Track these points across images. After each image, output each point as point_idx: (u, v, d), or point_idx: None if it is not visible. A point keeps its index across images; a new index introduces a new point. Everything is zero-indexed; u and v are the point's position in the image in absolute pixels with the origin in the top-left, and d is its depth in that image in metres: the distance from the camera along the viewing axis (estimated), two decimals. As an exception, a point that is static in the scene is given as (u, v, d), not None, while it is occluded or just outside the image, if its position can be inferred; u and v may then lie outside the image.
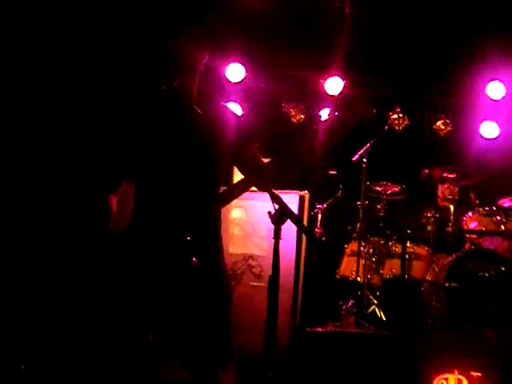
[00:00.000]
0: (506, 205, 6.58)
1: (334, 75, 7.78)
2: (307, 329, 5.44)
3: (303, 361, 5.02)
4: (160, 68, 3.05)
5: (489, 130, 8.43)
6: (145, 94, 3.15)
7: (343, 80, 7.84)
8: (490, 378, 4.83)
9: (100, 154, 3.14)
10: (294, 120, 8.04)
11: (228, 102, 7.57)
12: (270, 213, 2.63)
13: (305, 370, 4.91)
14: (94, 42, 6.01)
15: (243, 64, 7.60)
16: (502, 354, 5.04)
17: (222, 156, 3.11)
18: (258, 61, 7.84)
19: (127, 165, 3.07)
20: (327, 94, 7.91)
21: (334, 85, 7.83)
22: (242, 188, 3.07)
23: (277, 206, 2.62)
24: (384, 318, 5.95)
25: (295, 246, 5.77)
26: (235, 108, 7.64)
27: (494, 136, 8.46)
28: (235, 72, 7.59)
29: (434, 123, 8.32)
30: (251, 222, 5.73)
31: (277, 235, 2.63)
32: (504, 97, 8.16)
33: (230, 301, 3.06)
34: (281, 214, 2.62)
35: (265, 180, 2.88)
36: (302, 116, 8.04)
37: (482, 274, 5.72)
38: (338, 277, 6.78)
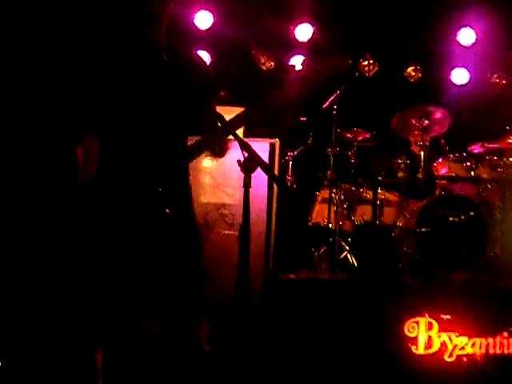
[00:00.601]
0: (476, 151, 6.61)
1: (304, 22, 7.71)
2: (280, 276, 5.47)
3: (276, 307, 5.05)
4: (126, 16, 2.98)
5: (459, 76, 8.45)
6: (110, 42, 3.07)
7: (312, 26, 7.78)
8: (459, 321, 4.91)
9: (63, 104, 3.07)
10: (264, 67, 7.97)
11: (196, 49, 7.47)
12: (239, 161, 2.61)
13: (278, 316, 4.94)
14: None
15: (211, 11, 7.49)
16: (470, 297, 5.12)
17: (190, 105, 3.05)
18: (227, 7, 7.73)
19: (92, 115, 3.01)
20: (297, 41, 7.85)
21: (303, 31, 7.78)
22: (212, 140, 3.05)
23: (246, 154, 2.60)
24: (356, 264, 6.01)
25: (266, 194, 5.77)
26: (203, 55, 7.56)
27: (463, 82, 8.48)
28: (202, 18, 7.48)
29: (405, 69, 8.31)
30: (223, 170, 5.69)
31: (247, 184, 2.62)
32: (474, 43, 8.17)
33: (201, 250, 3.05)
34: (250, 162, 2.59)
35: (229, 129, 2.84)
36: (272, 63, 7.98)
37: (452, 219, 5.78)
38: (309, 224, 6.80)
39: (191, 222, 3.07)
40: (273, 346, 4.83)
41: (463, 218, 5.80)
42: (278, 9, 7.82)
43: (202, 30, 7.56)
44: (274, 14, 7.95)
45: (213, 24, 7.59)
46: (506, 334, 4.94)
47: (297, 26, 7.74)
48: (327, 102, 6.44)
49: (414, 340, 4.87)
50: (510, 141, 6.44)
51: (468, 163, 6.34)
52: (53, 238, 3.88)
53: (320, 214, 6.69)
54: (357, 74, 6.82)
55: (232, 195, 5.71)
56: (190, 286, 2.96)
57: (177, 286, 2.93)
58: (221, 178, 5.78)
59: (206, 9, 7.45)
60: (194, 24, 7.44)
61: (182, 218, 2.97)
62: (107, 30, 3.27)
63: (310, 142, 7.01)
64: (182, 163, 3.03)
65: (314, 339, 4.84)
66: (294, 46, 7.99)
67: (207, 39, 7.74)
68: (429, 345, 4.87)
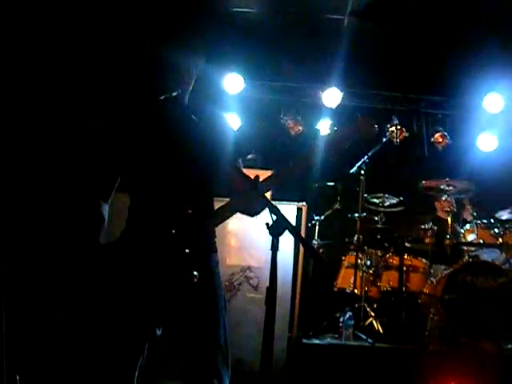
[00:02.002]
0: (503, 217, 6.58)
1: (332, 87, 7.81)
2: (304, 341, 5.42)
3: (300, 373, 4.99)
4: (157, 77, 3.03)
5: (486, 142, 8.45)
6: (141, 102, 3.12)
7: (341, 92, 7.87)
8: (486, 390, 4.83)
9: (94, 160, 3.11)
10: (292, 132, 8.05)
11: (226, 112, 7.58)
12: (267, 224, 2.61)
13: (302, 382, 4.88)
14: (93, 50, 6.03)
15: (242, 75, 7.62)
16: (498, 366, 5.03)
17: (219, 166, 3.07)
18: (257, 72, 7.86)
19: (120, 172, 3.05)
20: (325, 106, 7.94)
21: (332, 97, 7.86)
22: (233, 209, 3.07)
23: (274, 218, 2.60)
24: (381, 331, 5.93)
25: (292, 258, 5.77)
26: (233, 119, 7.67)
27: (491, 148, 8.48)
28: (234, 83, 7.61)
29: (432, 136, 8.35)
30: (249, 233, 5.71)
31: (274, 246, 2.61)
32: (502, 109, 8.20)
33: (225, 312, 3.03)
34: (279, 226, 2.60)
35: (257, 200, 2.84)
36: (300, 128, 8.05)
37: (479, 286, 5.71)
38: (335, 289, 6.76)
39: (216, 283, 3.06)
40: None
41: (491, 285, 5.72)
42: (306, 74, 7.94)
43: (231, 93, 7.68)
44: (303, 79, 8.08)
45: (243, 88, 7.71)
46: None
47: (325, 91, 7.83)
48: (355, 167, 6.47)
49: (439, 409, 4.79)
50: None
51: (496, 230, 6.29)
52: (71, 298, 3.88)
53: (346, 279, 6.66)
54: (384, 139, 6.87)
55: (257, 258, 5.71)
56: (213, 347, 2.93)
57: (200, 349, 2.91)
58: (246, 241, 5.80)
59: (237, 72, 7.58)
60: (224, 86, 7.57)
61: (206, 280, 2.96)
62: (137, 89, 3.33)
63: (336, 206, 7.03)
64: (209, 224, 3.04)
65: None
66: (323, 111, 8.08)
67: (236, 102, 7.86)
68: (454, 414, 4.79)
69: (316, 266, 6.41)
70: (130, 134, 3.00)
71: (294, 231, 2.67)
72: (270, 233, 2.60)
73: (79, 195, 3.15)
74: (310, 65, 7.80)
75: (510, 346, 5.53)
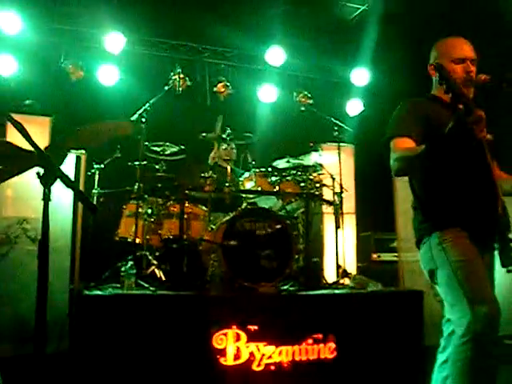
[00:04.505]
0: (280, 166, 6.82)
1: (116, 32, 7.67)
2: (86, 292, 5.33)
3: (83, 325, 4.90)
4: None
5: (267, 94, 8.76)
6: None
7: (124, 37, 7.75)
8: (266, 331, 5.04)
9: None
10: (73, 77, 7.81)
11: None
12: (38, 173, 2.51)
13: (86, 334, 4.80)
14: None
15: (20, 14, 7.23)
16: (276, 307, 5.26)
17: None
18: (35, 14, 7.49)
19: None
20: (107, 51, 7.79)
21: (114, 42, 7.73)
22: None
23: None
24: (164, 278, 5.97)
25: (72, 208, 5.64)
26: (8, 62, 7.31)
27: (271, 100, 8.80)
28: (10, 22, 7.20)
29: (215, 85, 8.49)
30: (25, 182, 5.45)
31: (46, 196, 2.52)
32: (282, 63, 8.52)
33: None
34: (49, 175, 2.50)
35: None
36: (81, 73, 7.84)
37: (257, 232, 5.88)
38: (116, 238, 6.67)
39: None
40: (81, 364, 4.69)
41: (269, 231, 5.90)
42: (92, 18, 7.71)
43: (8, 34, 7.26)
44: (87, 23, 7.84)
45: (20, 28, 7.32)
46: (310, 340, 5.15)
47: (108, 35, 7.67)
48: (135, 115, 6.37)
49: (223, 352, 4.93)
50: (312, 157, 6.75)
51: (273, 178, 6.48)
52: None
53: (127, 228, 6.59)
54: (166, 87, 6.86)
55: (35, 209, 5.50)
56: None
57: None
58: (23, 190, 5.57)
59: (14, 12, 7.17)
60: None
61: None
62: None
63: (117, 154, 6.90)
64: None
65: (123, 356, 4.75)
66: (105, 57, 7.92)
67: (13, 44, 7.46)
68: (237, 356, 4.96)
69: (94, 215, 6.25)
70: None
71: (66, 180, 2.58)
72: (41, 182, 2.51)
73: None
74: (96, 8, 7.56)
75: (285, 287, 5.82)
